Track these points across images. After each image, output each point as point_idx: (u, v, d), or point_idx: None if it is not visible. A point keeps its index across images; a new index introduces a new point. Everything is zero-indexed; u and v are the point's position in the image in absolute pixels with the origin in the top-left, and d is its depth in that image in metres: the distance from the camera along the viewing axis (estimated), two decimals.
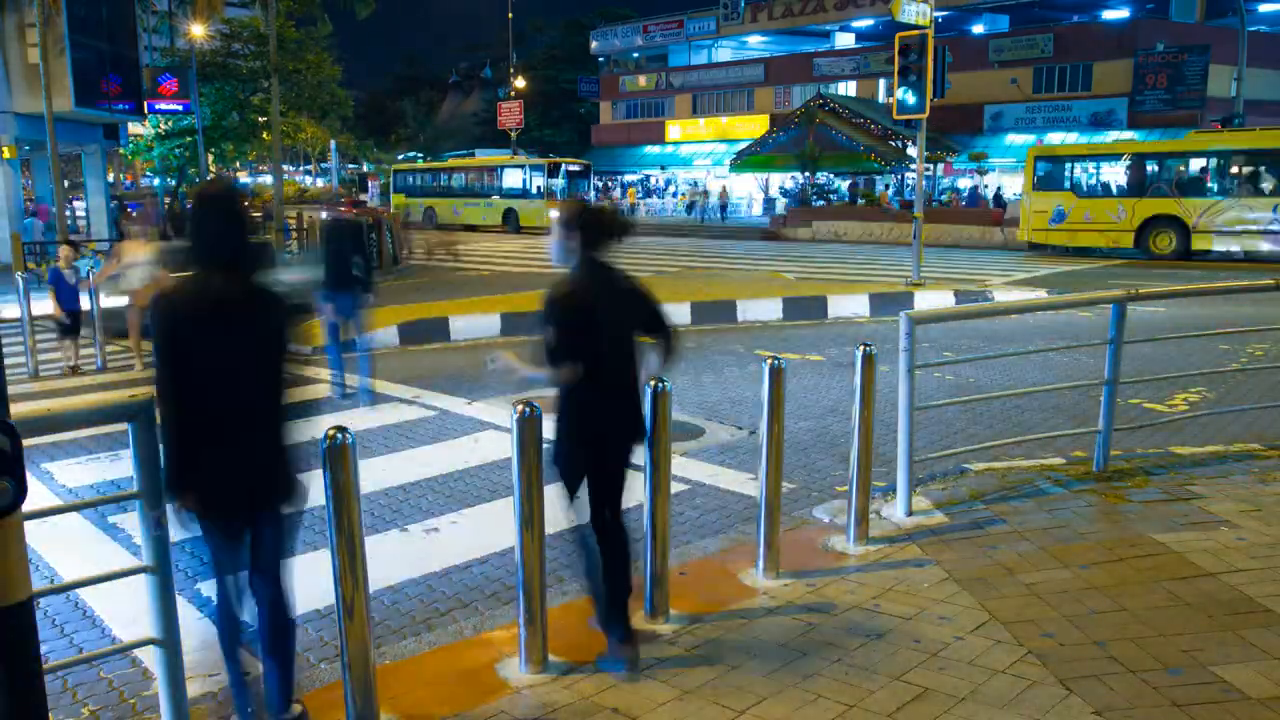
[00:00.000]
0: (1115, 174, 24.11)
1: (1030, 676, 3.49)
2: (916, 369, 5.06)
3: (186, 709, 2.97)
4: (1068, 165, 24.13)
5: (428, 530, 5.33)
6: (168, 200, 30.97)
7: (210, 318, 2.96)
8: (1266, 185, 21.14)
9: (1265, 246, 20.84)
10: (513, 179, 37.79)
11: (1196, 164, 22.59)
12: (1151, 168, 23.18)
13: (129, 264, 9.57)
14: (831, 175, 42.02)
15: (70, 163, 29.05)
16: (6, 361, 2.00)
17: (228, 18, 33.64)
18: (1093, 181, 24.19)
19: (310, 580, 4.48)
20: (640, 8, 59.86)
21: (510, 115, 46.05)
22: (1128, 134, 36.14)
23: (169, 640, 2.88)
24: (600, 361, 3.49)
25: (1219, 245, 21.51)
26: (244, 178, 63.25)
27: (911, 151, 32.42)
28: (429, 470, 6.30)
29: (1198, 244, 21.61)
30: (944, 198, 37.33)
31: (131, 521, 5.13)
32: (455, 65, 69.44)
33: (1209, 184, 22.04)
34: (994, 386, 7.99)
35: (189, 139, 33.49)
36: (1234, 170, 21.85)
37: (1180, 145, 23.44)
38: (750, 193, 49.34)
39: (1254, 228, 20.93)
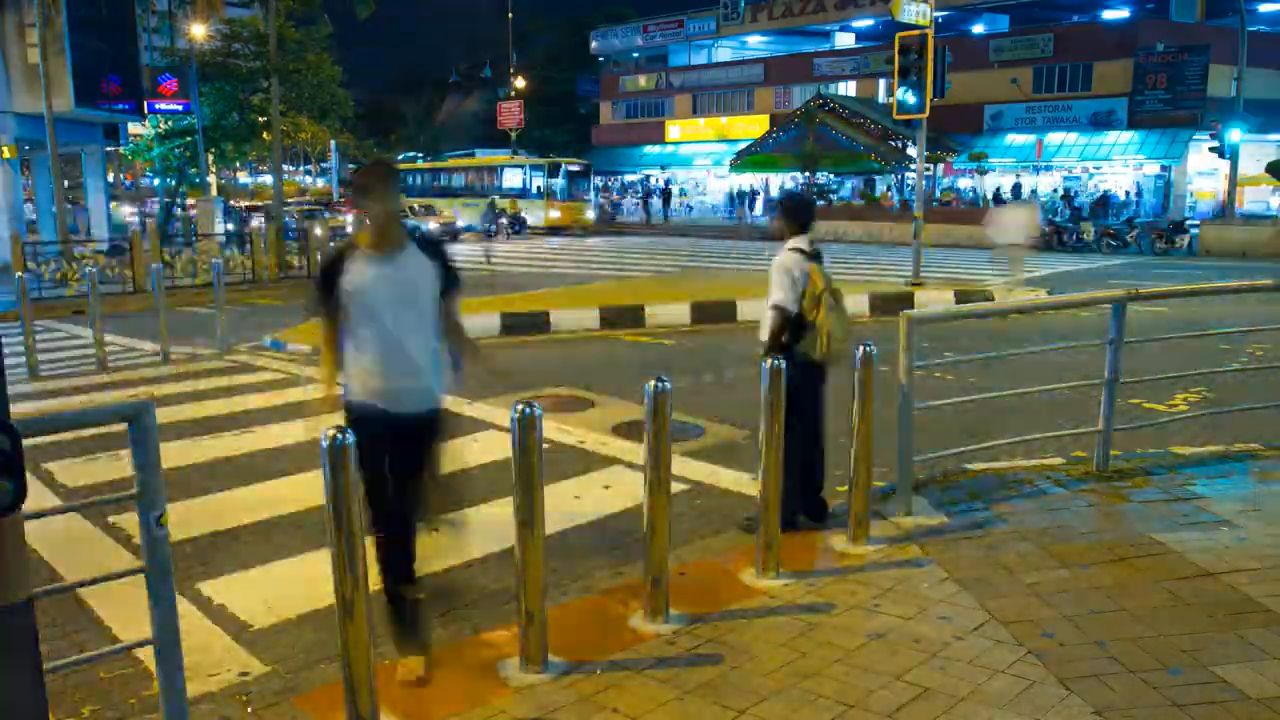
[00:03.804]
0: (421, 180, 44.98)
1: (1030, 676, 3.49)
2: (916, 369, 5.07)
3: (186, 709, 2.97)
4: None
5: (428, 530, 5.31)
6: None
7: None
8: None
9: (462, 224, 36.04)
10: (513, 179, 37.82)
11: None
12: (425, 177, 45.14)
13: None
14: (831, 175, 41.97)
15: (70, 163, 29.03)
16: (7, 361, 2.00)
17: (228, 18, 33.60)
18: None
19: (309, 580, 4.50)
20: (640, 8, 59.74)
21: (510, 115, 46.07)
22: (1128, 134, 36.14)
23: (169, 640, 2.88)
24: None
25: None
26: (244, 178, 63.19)
27: (911, 151, 32.35)
28: None
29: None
30: (941, 197, 37.25)
31: (131, 521, 5.13)
32: (455, 65, 69.31)
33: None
34: (994, 387, 7.97)
35: (189, 139, 33.40)
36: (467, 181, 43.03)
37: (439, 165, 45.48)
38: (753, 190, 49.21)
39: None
